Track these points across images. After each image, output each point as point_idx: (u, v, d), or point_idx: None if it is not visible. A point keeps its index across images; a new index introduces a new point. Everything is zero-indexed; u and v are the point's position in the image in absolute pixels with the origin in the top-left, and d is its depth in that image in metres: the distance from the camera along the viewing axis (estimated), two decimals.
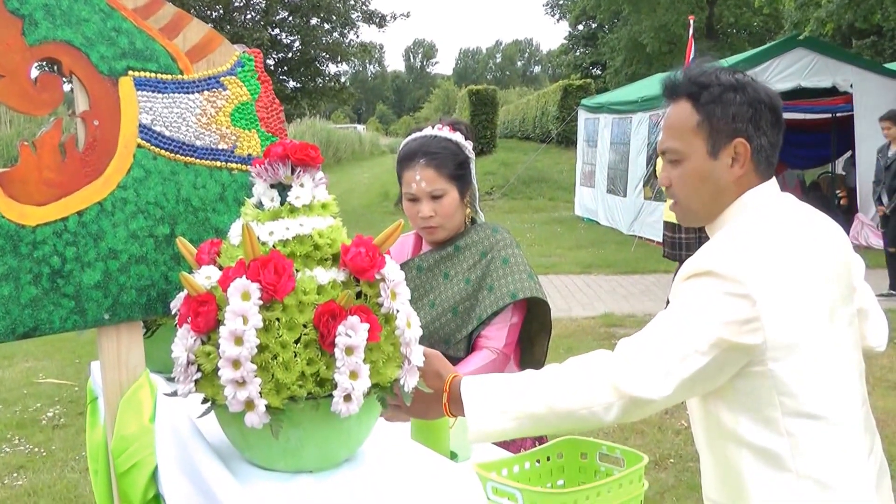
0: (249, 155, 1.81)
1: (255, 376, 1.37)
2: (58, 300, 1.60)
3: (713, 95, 1.82)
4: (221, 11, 20.36)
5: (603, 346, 1.84)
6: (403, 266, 2.67)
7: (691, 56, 11.68)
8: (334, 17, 22.29)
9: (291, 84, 22.67)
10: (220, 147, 1.78)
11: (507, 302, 2.55)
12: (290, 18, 22.11)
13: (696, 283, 1.72)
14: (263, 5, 21.37)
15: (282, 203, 1.54)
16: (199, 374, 1.44)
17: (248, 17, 21.51)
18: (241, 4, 21.29)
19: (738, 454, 1.78)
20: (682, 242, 8.34)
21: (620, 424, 5.58)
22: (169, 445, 1.60)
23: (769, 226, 1.79)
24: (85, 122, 1.63)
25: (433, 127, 2.68)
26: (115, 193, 1.66)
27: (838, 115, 14.27)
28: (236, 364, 1.36)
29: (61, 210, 1.60)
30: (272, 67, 21.50)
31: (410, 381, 1.52)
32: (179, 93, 1.74)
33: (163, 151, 1.71)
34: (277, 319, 1.39)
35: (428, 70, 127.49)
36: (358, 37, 23.77)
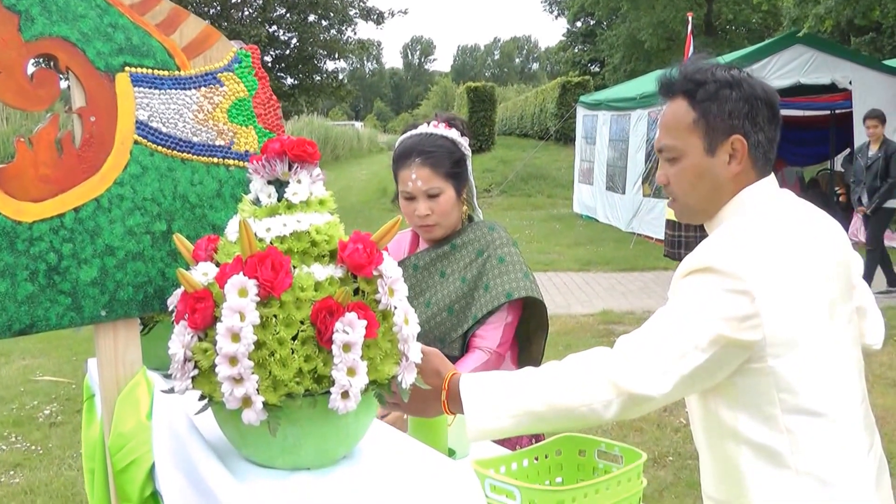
0: (247, 151, 1.80)
1: (253, 373, 1.36)
2: (54, 297, 1.60)
3: (709, 92, 1.82)
4: (219, 8, 20.35)
5: (601, 343, 1.84)
6: (400, 264, 2.63)
7: (690, 53, 11.66)
8: (332, 14, 22.28)
9: (289, 81, 22.66)
10: (217, 143, 1.78)
11: (501, 301, 2.54)
12: (288, 15, 22.09)
13: (696, 279, 1.72)
14: (261, 2, 21.35)
15: (279, 199, 1.53)
16: (196, 371, 1.43)
17: (246, 13, 21.49)
18: (239, 1, 21.26)
19: (737, 451, 1.77)
20: (682, 241, 8.33)
21: (619, 422, 5.58)
22: (166, 442, 1.59)
23: (768, 222, 1.79)
24: (81, 119, 1.63)
25: (428, 124, 2.66)
26: (111, 190, 1.65)
27: (837, 111, 14.27)
28: (233, 361, 1.36)
29: (58, 206, 1.60)
30: (270, 64, 21.49)
31: (408, 378, 1.51)
32: (176, 89, 1.73)
33: (160, 148, 1.71)
34: (275, 316, 1.39)
35: (426, 67, 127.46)
36: (356, 33, 23.82)
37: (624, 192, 15.46)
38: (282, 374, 1.37)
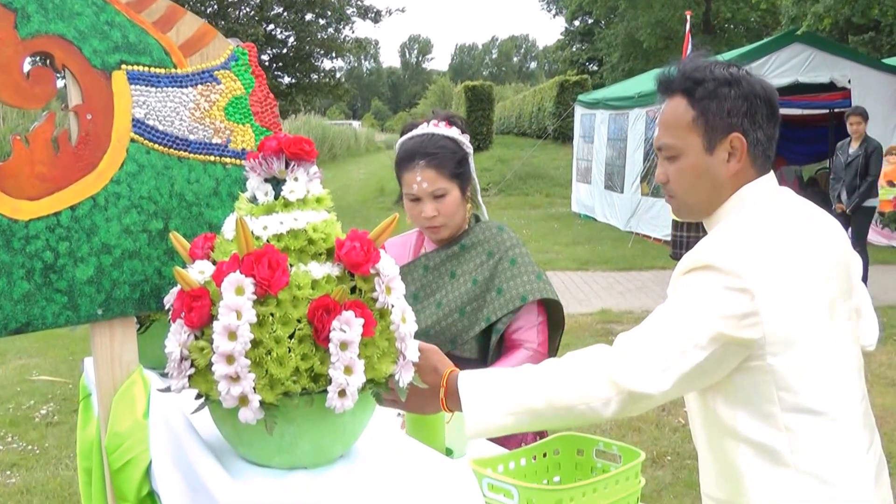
0: (243, 149, 1.80)
1: (249, 371, 1.36)
2: (50, 295, 1.59)
3: (708, 90, 1.81)
4: (216, 7, 20.32)
5: (600, 342, 1.84)
6: (410, 265, 2.67)
7: (688, 51, 11.68)
8: (329, 13, 22.26)
9: (286, 80, 22.65)
10: (213, 141, 1.77)
11: (517, 305, 2.54)
12: (285, 14, 22.06)
13: (695, 277, 1.72)
14: (258, 1, 21.32)
15: (276, 197, 1.53)
16: (192, 370, 1.43)
17: (243, 12, 21.47)
18: (236, 0, 21.24)
19: (736, 450, 1.77)
20: (685, 241, 8.30)
21: (618, 421, 5.58)
22: (163, 441, 1.59)
23: (768, 220, 1.78)
24: (78, 116, 1.62)
25: (428, 123, 2.64)
26: (108, 188, 1.64)
27: (836, 110, 14.26)
28: (230, 359, 1.35)
29: (54, 204, 1.59)
30: (267, 63, 21.47)
31: (405, 377, 1.51)
32: (173, 87, 1.73)
33: (156, 146, 1.70)
34: (271, 314, 1.38)
35: (423, 66, 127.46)
36: (353, 32, 23.88)
37: (622, 192, 15.46)
38: (278, 373, 1.36)
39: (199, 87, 1.76)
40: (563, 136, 25.66)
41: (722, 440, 1.80)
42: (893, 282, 10.07)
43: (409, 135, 2.64)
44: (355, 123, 55.82)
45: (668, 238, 13.14)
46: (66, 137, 1.61)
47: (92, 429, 1.90)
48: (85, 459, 1.94)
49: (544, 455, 1.98)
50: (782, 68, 12.52)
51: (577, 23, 44.55)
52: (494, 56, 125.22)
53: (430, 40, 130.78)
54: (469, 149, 2.65)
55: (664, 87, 1.89)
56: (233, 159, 1.79)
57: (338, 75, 25.44)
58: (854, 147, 9.54)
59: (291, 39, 22.37)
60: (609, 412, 1.67)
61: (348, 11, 22.50)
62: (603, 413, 1.67)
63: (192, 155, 1.74)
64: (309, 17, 22.27)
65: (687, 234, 8.31)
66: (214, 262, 1.48)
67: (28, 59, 1.59)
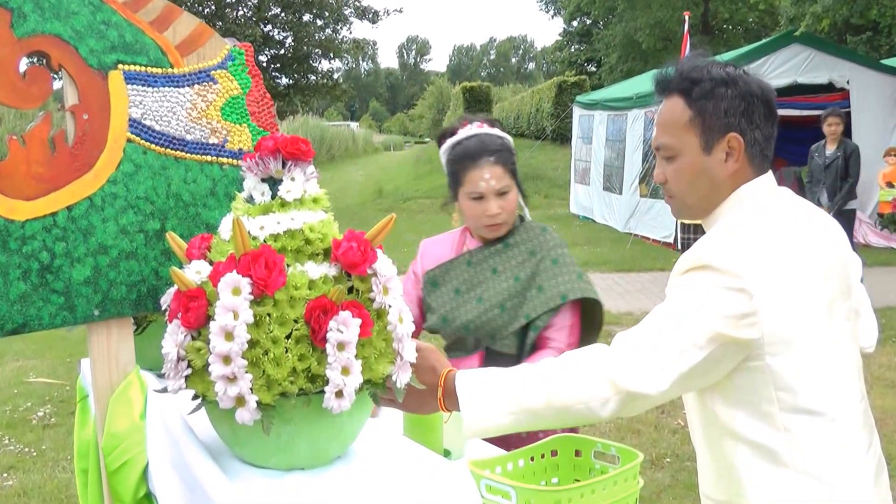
0: (240, 149, 1.79)
1: (246, 372, 1.35)
2: (47, 296, 1.59)
3: (705, 90, 1.81)
4: (213, 7, 20.31)
5: (599, 343, 1.83)
6: (454, 261, 2.72)
7: (686, 52, 11.67)
8: (327, 14, 22.24)
9: (284, 81, 22.63)
10: (210, 141, 1.77)
11: (557, 303, 2.59)
12: (283, 14, 22.05)
13: (693, 276, 1.71)
14: (255, 1, 21.31)
15: (272, 197, 1.52)
16: (189, 370, 1.42)
17: (240, 13, 21.45)
18: (233, 0, 21.23)
19: (734, 450, 1.77)
20: (689, 244, 8.25)
21: (616, 423, 5.57)
22: (160, 442, 1.59)
23: (766, 219, 1.78)
24: (74, 116, 1.62)
25: (473, 125, 2.68)
26: (104, 188, 1.64)
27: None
28: (227, 360, 1.35)
29: (50, 205, 1.59)
30: (264, 64, 21.45)
31: (403, 377, 1.50)
32: (170, 87, 1.72)
33: (153, 146, 1.70)
34: (268, 315, 1.38)
35: (422, 67, 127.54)
36: (351, 33, 23.89)
37: (621, 193, 15.46)
38: (276, 373, 1.36)
39: (196, 87, 1.75)
40: (562, 137, 25.65)
41: (721, 441, 1.80)
42: (892, 283, 10.07)
43: (464, 135, 2.66)
44: (353, 125, 55.86)
45: (668, 239, 13.18)
46: (63, 138, 1.61)
47: (89, 430, 1.90)
48: (82, 460, 1.94)
49: (542, 456, 1.98)
50: (781, 69, 12.52)
51: (575, 23, 44.55)
52: (492, 57, 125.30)
53: (427, 41, 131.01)
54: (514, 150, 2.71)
55: (662, 87, 1.89)
56: (230, 159, 1.79)
57: (335, 76, 25.40)
58: (831, 149, 9.43)
59: (289, 40, 22.36)
60: (607, 412, 1.67)
61: (346, 12, 22.49)
62: (601, 413, 1.67)
63: (188, 155, 1.74)
64: (307, 17, 22.25)
65: (694, 237, 8.26)
66: (211, 263, 1.47)
67: (24, 59, 1.59)
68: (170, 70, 1.73)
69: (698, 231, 8.20)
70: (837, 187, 9.30)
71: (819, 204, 9.45)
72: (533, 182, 22.93)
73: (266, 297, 1.38)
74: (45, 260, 1.58)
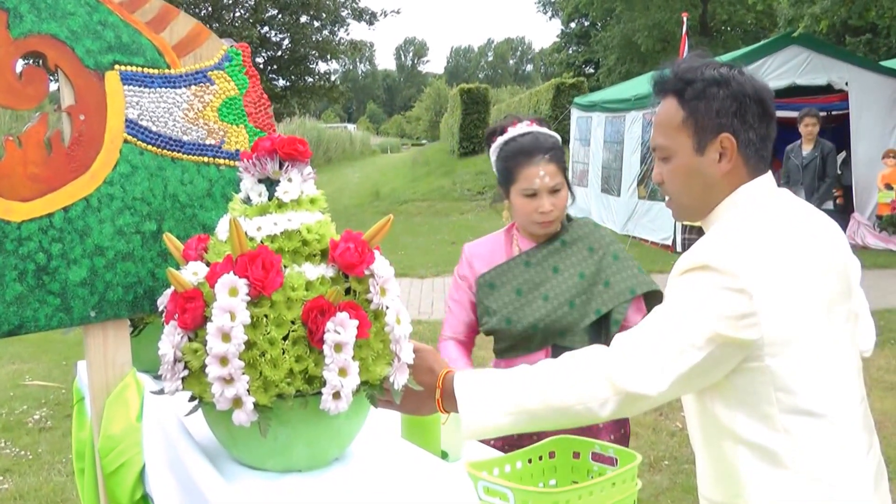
0: (237, 150, 1.79)
1: (243, 373, 1.35)
2: (43, 297, 1.58)
3: (697, 91, 1.81)
4: (210, 9, 20.30)
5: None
6: (510, 262, 2.73)
7: (685, 54, 11.67)
8: (324, 15, 22.25)
9: (281, 82, 22.63)
10: (207, 142, 1.76)
11: (627, 297, 2.66)
12: (280, 16, 22.06)
13: (692, 277, 1.71)
14: (252, 3, 21.31)
15: (270, 198, 1.52)
16: (186, 372, 1.42)
17: (237, 14, 21.45)
18: (230, 2, 21.23)
19: (734, 451, 1.76)
20: (689, 244, 8.20)
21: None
22: (156, 444, 1.58)
23: (766, 220, 1.78)
24: (71, 117, 1.61)
25: (524, 123, 2.72)
26: (101, 189, 1.64)
27: (833, 112, 14.27)
28: (224, 361, 1.34)
29: (47, 206, 1.58)
30: (261, 66, 21.45)
31: (400, 379, 1.50)
32: (166, 87, 1.72)
33: (149, 147, 1.69)
34: (265, 316, 1.37)
35: (419, 69, 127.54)
36: (348, 34, 23.80)
37: (619, 195, 15.44)
38: (273, 375, 1.36)
39: (193, 87, 1.75)
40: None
41: (720, 442, 1.79)
42: (891, 285, 10.05)
43: (517, 132, 2.69)
44: (350, 126, 55.80)
45: (666, 241, 13.17)
46: (59, 138, 1.60)
47: (86, 432, 1.89)
48: (80, 460, 1.93)
49: (540, 458, 1.97)
50: (779, 70, 12.51)
51: (573, 25, 44.51)
52: (490, 59, 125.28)
53: (425, 43, 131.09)
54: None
55: (658, 88, 1.89)
56: (226, 160, 1.79)
57: (333, 78, 25.41)
58: (808, 149, 9.40)
59: (286, 42, 22.36)
60: (606, 412, 1.66)
61: (343, 13, 22.51)
62: (600, 413, 1.66)
63: (185, 156, 1.74)
64: (304, 19, 22.25)
65: (697, 237, 8.21)
66: (208, 264, 1.47)
67: (20, 60, 1.58)
68: (167, 71, 1.72)
69: (702, 232, 8.15)
70: (815, 187, 9.28)
71: None
72: None
73: (263, 298, 1.38)
74: (41, 261, 1.57)
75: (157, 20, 1.72)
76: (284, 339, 1.38)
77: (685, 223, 8.35)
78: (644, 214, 14.09)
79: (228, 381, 1.35)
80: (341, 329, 1.37)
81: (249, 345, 1.35)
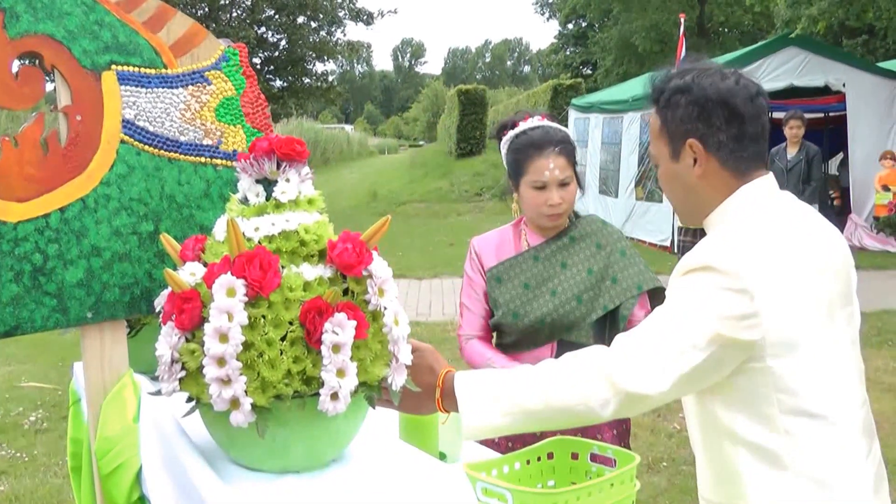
0: (234, 150, 1.78)
1: (241, 374, 1.34)
2: (40, 298, 1.58)
3: (665, 100, 1.86)
4: (207, 9, 20.29)
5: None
6: (519, 257, 2.75)
7: (682, 55, 11.66)
8: (321, 16, 22.24)
9: (278, 83, 22.61)
10: (204, 142, 1.76)
11: (634, 293, 2.70)
12: (277, 17, 22.03)
13: (694, 277, 1.71)
14: (249, 3, 21.29)
15: (267, 198, 1.51)
16: (183, 373, 1.41)
17: (234, 15, 21.44)
18: (227, 2, 21.21)
19: (734, 452, 1.76)
20: (683, 246, 8.19)
21: None
22: (154, 446, 1.57)
23: (767, 221, 1.78)
24: (67, 117, 1.61)
25: (535, 117, 2.74)
26: (97, 189, 1.63)
27: (831, 114, 14.27)
28: (221, 362, 1.34)
29: (43, 206, 1.58)
30: (258, 66, 21.43)
31: (398, 380, 1.49)
32: (163, 87, 1.71)
33: (146, 147, 1.69)
34: (263, 316, 1.37)
35: (416, 70, 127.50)
36: (345, 35, 23.78)
37: (617, 196, 15.45)
38: (270, 376, 1.35)
39: (190, 87, 1.75)
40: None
41: (720, 443, 1.79)
42: (888, 286, 10.06)
43: (528, 126, 2.72)
44: (348, 127, 55.72)
45: (664, 243, 13.17)
46: (56, 139, 1.60)
47: (82, 434, 1.88)
48: (75, 460, 1.92)
49: (538, 459, 1.97)
50: (777, 72, 12.52)
51: (570, 26, 44.51)
52: (488, 60, 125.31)
53: (422, 44, 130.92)
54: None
55: (649, 97, 1.95)
56: (224, 161, 1.78)
57: (330, 79, 25.41)
58: (793, 152, 9.27)
59: (283, 42, 22.35)
60: (607, 413, 1.66)
61: (340, 14, 22.49)
62: (602, 413, 1.66)
63: (182, 156, 1.73)
64: (301, 19, 22.24)
65: (691, 240, 8.17)
66: (205, 265, 1.46)
67: (16, 60, 1.57)
68: (164, 71, 1.72)
69: (697, 234, 8.13)
70: (800, 191, 9.22)
71: None
72: None
73: (261, 298, 1.37)
74: (37, 262, 1.57)
75: (153, 20, 1.72)
76: (282, 339, 1.37)
77: (681, 226, 8.31)
78: (642, 216, 14.10)
79: (226, 381, 1.34)
80: (339, 330, 1.36)
81: (247, 345, 1.35)
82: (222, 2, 21.02)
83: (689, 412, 1.90)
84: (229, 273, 1.37)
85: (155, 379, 1.47)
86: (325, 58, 23.27)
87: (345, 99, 32.09)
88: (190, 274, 1.45)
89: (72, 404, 2.07)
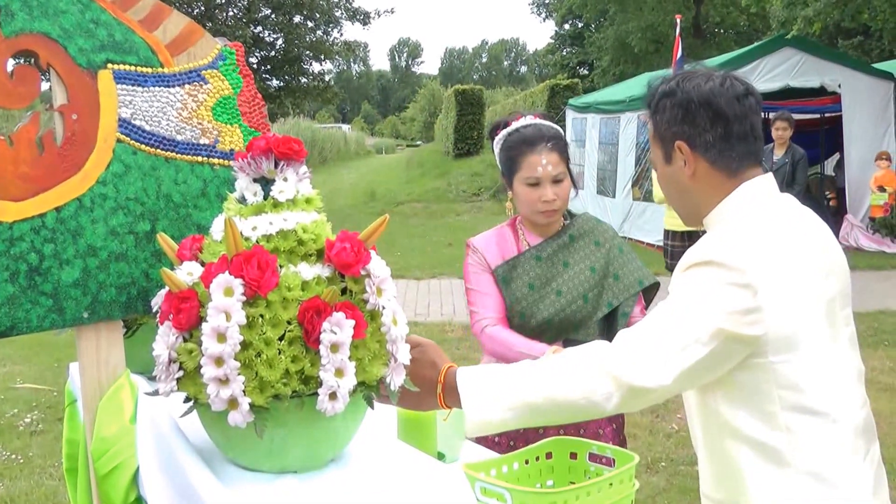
0: (231, 150, 1.77)
1: (239, 374, 1.33)
2: (35, 298, 1.57)
3: (654, 105, 1.91)
4: (203, 8, 20.26)
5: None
6: (521, 257, 2.74)
7: (678, 55, 11.66)
8: (318, 15, 22.21)
9: (275, 83, 22.59)
10: (201, 142, 1.75)
11: (636, 289, 2.74)
12: (273, 16, 21.99)
13: (697, 272, 1.71)
14: (245, 2, 21.26)
15: (265, 198, 1.50)
16: (181, 373, 1.41)
17: (230, 14, 21.41)
18: (223, 1, 21.18)
19: (736, 449, 1.76)
20: (669, 250, 8.12)
21: None
22: (151, 446, 1.57)
23: (770, 218, 1.79)
24: (63, 116, 1.60)
25: (528, 116, 2.75)
26: (94, 189, 1.62)
27: (826, 115, 14.29)
28: (219, 361, 1.33)
29: (39, 206, 1.57)
30: (255, 66, 21.39)
31: (397, 380, 1.49)
32: (160, 86, 1.71)
33: (143, 146, 1.68)
34: (261, 316, 1.36)
35: (413, 69, 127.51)
36: (342, 35, 23.76)
37: (614, 196, 15.45)
38: (269, 375, 1.34)
39: (187, 86, 1.74)
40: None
41: (722, 440, 1.79)
42: (884, 287, 10.08)
43: (520, 124, 2.73)
44: (345, 127, 55.73)
45: (661, 243, 13.18)
46: (51, 138, 1.59)
47: (78, 435, 1.87)
48: (71, 462, 1.91)
49: (537, 459, 1.96)
50: (773, 73, 12.53)
51: (567, 26, 44.54)
52: (484, 60, 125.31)
53: (419, 44, 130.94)
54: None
55: (644, 103, 1.99)
56: (221, 160, 1.77)
57: (327, 78, 25.38)
58: (779, 155, 9.12)
59: (280, 42, 22.31)
60: (610, 407, 1.66)
61: (337, 14, 22.47)
62: (605, 407, 1.66)
63: (179, 156, 1.72)
64: (297, 19, 22.20)
65: (671, 243, 8.08)
66: (203, 264, 1.46)
67: (11, 59, 1.57)
68: (160, 69, 1.71)
69: (685, 239, 8.00)
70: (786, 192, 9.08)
71: None
72: None
73: (259, 298, 1.36)
74: (33, 262, 1.56)
75: (149, 19, 1.71)
76: (280, 339, 1.36)
77: (667, 229, 8.19)
78: (639, 216, 14.10)
79: (224, 381, 1.33)
80: (337, 329, 1.36)
81: (245, 345, 1.34)
82: (218, 1, 20.99)
83: (691, 409, 1.90)
84: (227, 272, 1.36)
85: (152, 379, 1.47)
86: (322, 57, 23.24)
87: (342, 99, 32.08)
88: (187, 273, 1.44)
89: (67, 405, 2.06)
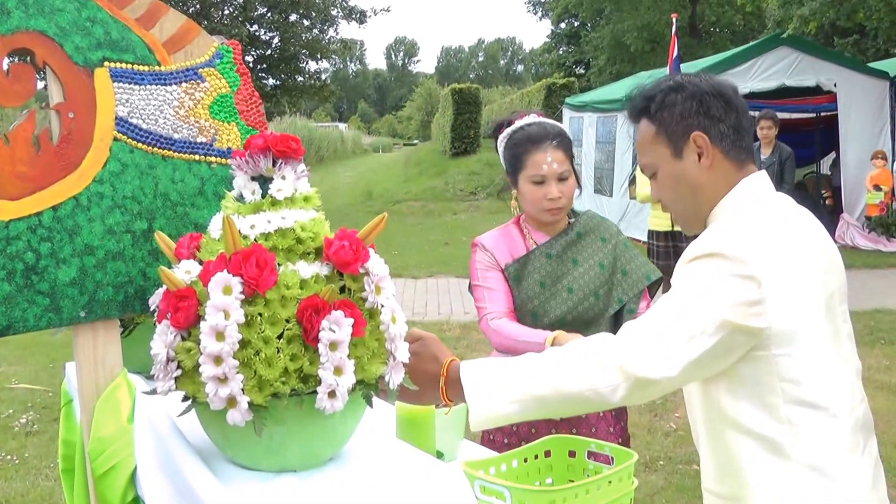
0: (229, 148, 1.77)
1: (238, 372, 1.33)
2: (32, 297, 1.56)
3: (658, 103, 1.89)
4: (198, 6, 20.22)
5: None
6: (530, 255, 2.74)
7: (674, 54, 11.66)
8: (314, 14, 22.19)
9: (271, 81, 22.58)
10: (198, 140, 1.74)
11: (644, 284, 2.76)
12: (269, 14, 21.98)
13: (702, 264, 1.71)
14: (241, 1, 21.24)
15: (263, 196, 1.50)
16: (179, 371, 1.40)
17: (226, 12, 21.38)
18: (219, 0, 21.16)
19: (738, 442, 1.76)
20: (654, 250, 8.04)
21: None
22: (148, 446, 1.56)
23: (771, 212, 1.80)
24: (59, 115, 1.59)
25: (531, 115, 2.76)
26: (90, 187, 1.61)
27: (822, 114, 14.31)
28: (218, 360, 1.32)
29: (35, 204, 1.56)
30: (251, 64, 21.35)
31: (396, 378, 1.48)
32: (157, 84, 1.70)
33: (140, 144, 1.67)
34: (260, 314, 1.36)
35: (410, 68, 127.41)
36: (338, 33, 23.76)
37: (611, 195, 15.46)
38: (267, 374, 1.34)
39: (184, 84, 1.73)
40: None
41: (724, 433, 1.79)
42: (880, 285, 10.10)
43: (524, 122, 2.74)
44: (342, 126, 55.69)
45: None
46: (48, 136, 1.58)
47: (75, 435, 1.87)
48: (67, 462, 1.91)
49: (536, 457, 1.96)
50: (769, 72, 12.55)
51: (563, 25, 44.54)
52: (481, 59, 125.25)
53: (416, 42, 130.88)
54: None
55: (631, 115, 1.98)
56: (218, 158, 1.77)
57: (323, 77, 25.36)
58: (766, 153, 9.00)
59: (276, 40, 22.29)
60: (616, 398, 1.66)
61: (333, 12, 22.46)
62: (611, 399, 1.66)
63: (176, 154, 1.72)
64: (293, 17, 22.19)
65: (656, 243, 7.96)
66: (200, 262, 1.45)
67: (7, 57, 1.56)
68: (157, 67, 1.70)
69: (669, 239, 7.83)
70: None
71: None
72: None
73: (257, 296, 1.36)
74: (30, 260, 1.55)
75: (146, 17, 1.70)
76: (279, 337, 1.36)
77: (651, 229, 8.09)
78: (636, 214, 14.11)
79: (222, 380, 1.33)
80: (336, 327, 1.35)
81: (244, 343, 1.34)
82: None
83: (693, 403, 1.90)
84: (225, 271, 1.36)
85: (150, 378, 1.46)
86: (319, 56, 23.22)
87: (338, 97, 32.05)
88: (185, 272, 1.44)
89: (63, 405, 2.05)
